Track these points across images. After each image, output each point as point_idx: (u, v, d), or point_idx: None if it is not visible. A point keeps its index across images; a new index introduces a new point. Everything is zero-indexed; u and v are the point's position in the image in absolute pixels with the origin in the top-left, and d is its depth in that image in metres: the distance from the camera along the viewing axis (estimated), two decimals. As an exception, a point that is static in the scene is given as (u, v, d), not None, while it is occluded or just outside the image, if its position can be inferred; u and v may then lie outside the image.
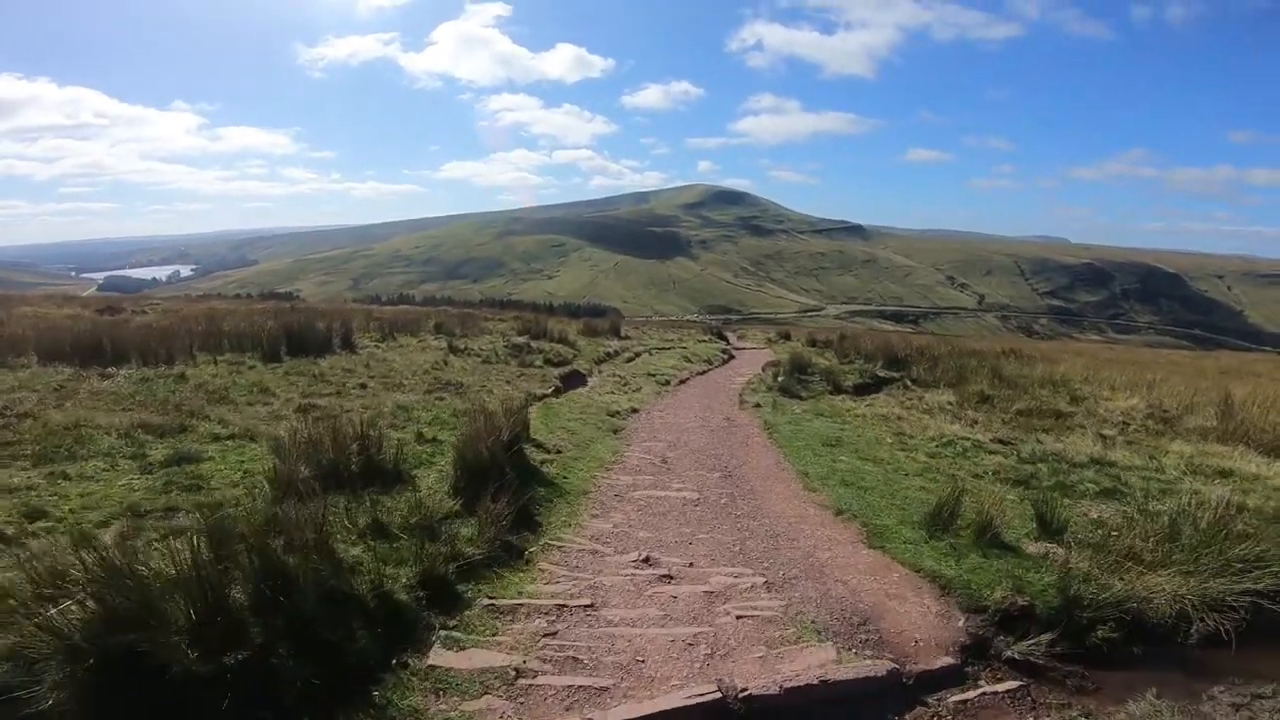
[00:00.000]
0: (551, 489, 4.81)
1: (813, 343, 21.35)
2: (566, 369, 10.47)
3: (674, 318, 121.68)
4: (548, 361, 11.13)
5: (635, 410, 8.18)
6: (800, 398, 10.04)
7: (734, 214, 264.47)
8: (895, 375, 11.86)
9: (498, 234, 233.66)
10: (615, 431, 6.85)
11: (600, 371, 11.24)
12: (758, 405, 9.20)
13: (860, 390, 10.94)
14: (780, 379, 11.35)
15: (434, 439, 5.39)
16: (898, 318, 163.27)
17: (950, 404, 8.85)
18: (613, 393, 9.25)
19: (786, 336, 25.44)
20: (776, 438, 6.86)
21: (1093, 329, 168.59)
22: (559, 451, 5.68)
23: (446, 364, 9.15)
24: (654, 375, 11.75)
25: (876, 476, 5.53)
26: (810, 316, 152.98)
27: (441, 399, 6.75)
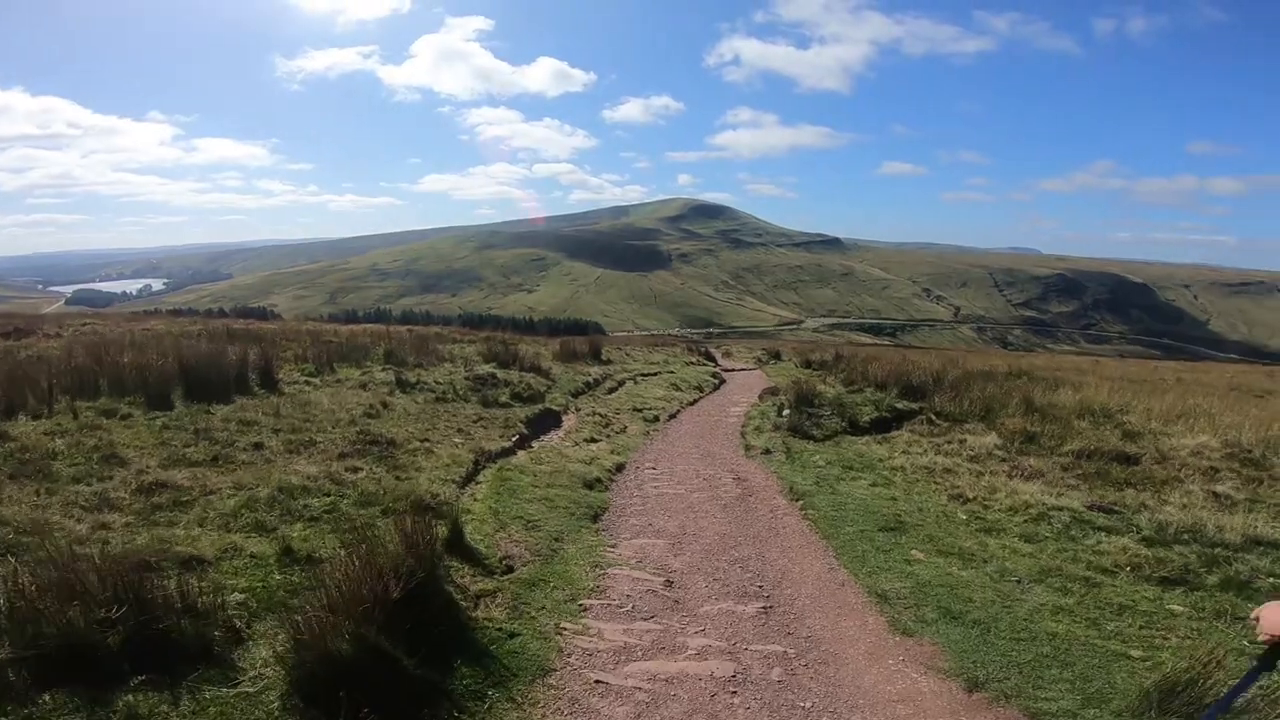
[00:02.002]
0: (486, 670, 2.86)
1: (808, 364, 19.89)
2: (537, 408, 8.78)
3: (656, 332, 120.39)
4: (515, 397, 9.43)
5: (621, 468, 6.51)
6: (813, 438, 8.48)
7: (714, 227, 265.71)
8: (914, 407, 10.37)
9: (477, 247, 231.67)
10: (594, 517, 5.04)
11: (578, 408, 9.57)
12: (768, 452, 7.61)
13: (879, 426, 9.42)
14: (786, 413, 9.78)
15: (308, 557, 3.50)
16: (876, 330, 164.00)
17: (998, 448, 7.35)
18: (592, 439, 7.59)
19: (777, 355, 24.01)
20: (813, 516, 5.23)
21: (1066, 340, 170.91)
22: (508, 569, 3.86)
23: (386, 406, 7.40)
24: (640, 410, 10.12)
25: (987, 594, 3.86)
26: (790, 330, 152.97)
27: (356, 469, 4.96)
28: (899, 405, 10.31)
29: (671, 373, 15.43)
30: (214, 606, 2.75)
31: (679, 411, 10.90)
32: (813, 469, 6.61)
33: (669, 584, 3.99)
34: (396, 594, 2.63)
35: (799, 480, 6.10)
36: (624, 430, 8.53)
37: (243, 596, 3.03)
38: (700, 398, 12.82)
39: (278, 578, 3.27)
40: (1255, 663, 1.49)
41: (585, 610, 3.59)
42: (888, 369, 13.10)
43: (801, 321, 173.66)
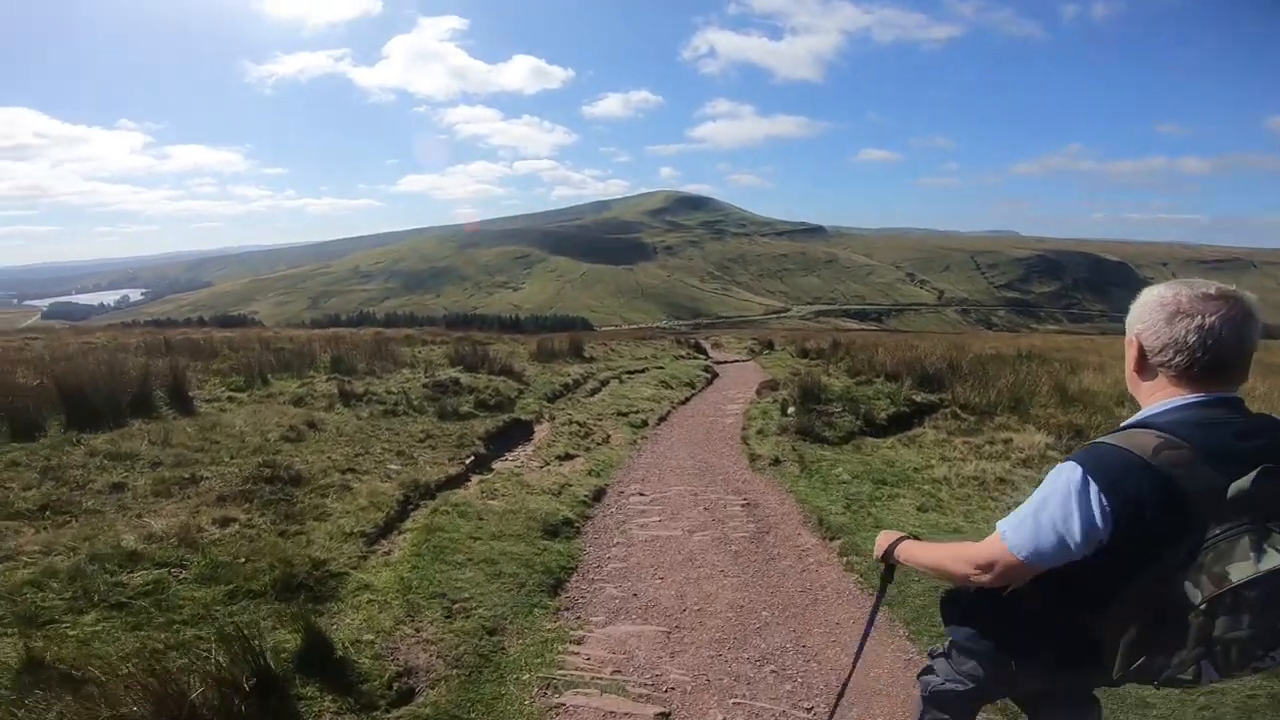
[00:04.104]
0: None
1: (804, 353, 18.71)
2: (503, 418, 7.48)
3: (644, 325, 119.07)
4: (480, 405, 8.15)
5: (599, 495, 5.19)
6: (827, 441, 7.28)
7: (698, 219, 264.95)
8: (934, 399, 9.21)
9: (459, 246, 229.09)
10: (555, 586, 3.59)
11: (553, 415, 8.29)
12: (777, 462, 6.39)
13: (898, 423, 8.24)
14: (792, 412, 8.58)
15: (67, 675, 2.20)
16: (861, 316, 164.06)
17: (1050, 448, 6.18)
18: (567, 455, 6.31)
19: (770, 345, 22.78)
20: (861, 566, 3.84)
21: (1049, 319, 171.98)
22: (403, 698, 2.46)
23: (313, 426, 6.08)
24: (626, 414, 8.86)
25: (1170, 703, 2.53)
26: (777, 318, 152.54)
27: (229, 521, 3.51)
28: (916, 398, 9.13)
29: (660, 368, 14.19)
30: None
31: (670, 413, 9.66)
32: (837, 485, 5.38)
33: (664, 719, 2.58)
34: None
35: (825, 504, 4.84)
36: (606, 440, 7.27)
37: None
38: (692, 395, 11.60)
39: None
40: (880, 580, 1.83)
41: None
42: (897, 357, 11.93)
43: (788, 309, 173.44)
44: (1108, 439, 1.30)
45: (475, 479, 5.25)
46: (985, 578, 1.39)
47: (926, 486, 5.30)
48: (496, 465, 5.86)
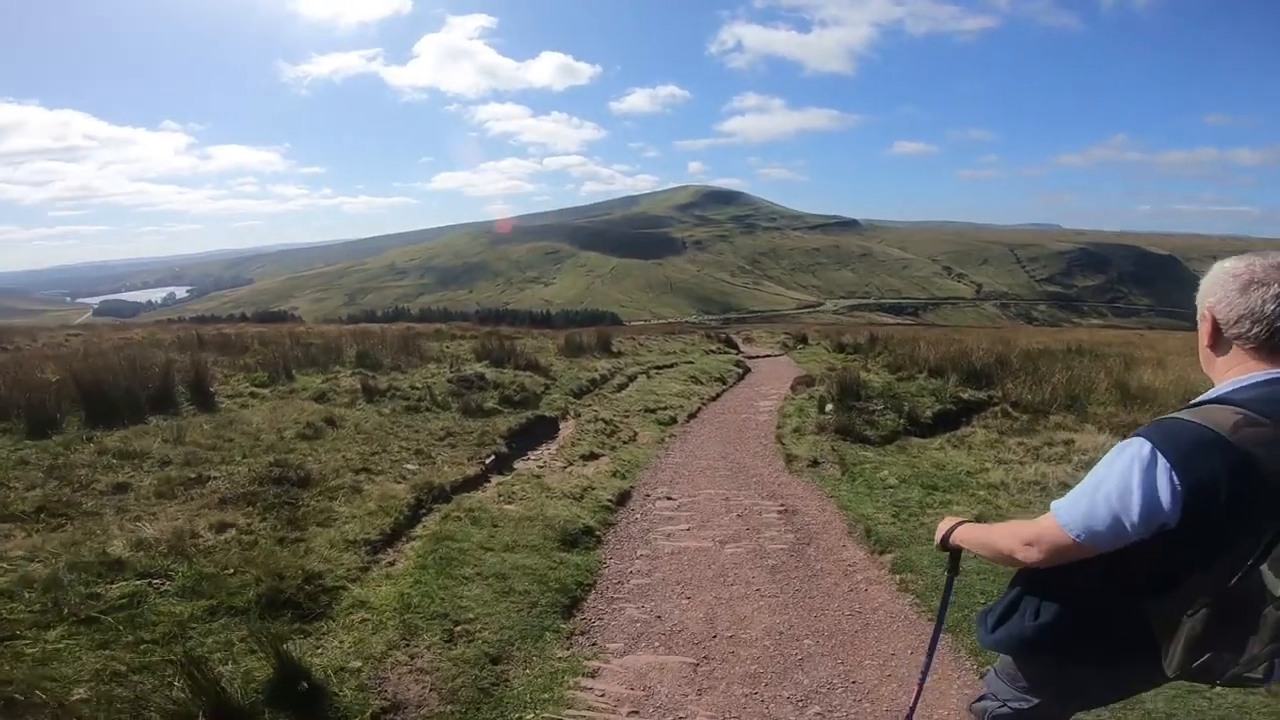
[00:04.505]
0: None
1: (840, 347, 18.10)
2: (527, 414, 7.22)
3: (673, 320, 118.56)
4: (505, 401, 7.90)
5: (624, 499, 4.87)
6: (869, 441, 6.84)
7: (728, 213, 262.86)
8: (982, 396, 8.65)
9: (491, 242, 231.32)
10: (570, 605, 3.24)
11: (579, 412, 8.00)
12: (815, 464, 5.98)
13: (945, 422, 7.74)
14: (830, 409, 8.15)
15: (7, 701, 1.90)
16: (897, 310, 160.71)
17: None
18: (592, 454, 5.99)
19: (803, 340, 22.15)
20: (916, 586, 3.40)
21: (1093, 313, 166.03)
22: None
23: (332, 423, 5.88)
24: (654, 411, 8.53)
25: None
26: (809, 312, 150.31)
27: (226, 526, 3.28)
28: (964, 395, 8.59)
29: (690, 363, 13.81)
30: None
31: (700, 409, 9.30)
32: (882, 491, 4.96)
33: None
34: None
35: (871, 512, 4.42)
36: (633, 439, 6.95)
37: None
38: (723, 390, 11.21)
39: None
40: (946, 573, 1.69)
41: None
42: (940, 352, 11.32)
43: (821, 304, 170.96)
44: (1181, 414, 1.19)
45: (495, 480, 4.98)
46: (1034, 555, 1.29)
47: (982, 492, 4.84)
48: (518, 465, 5.58)
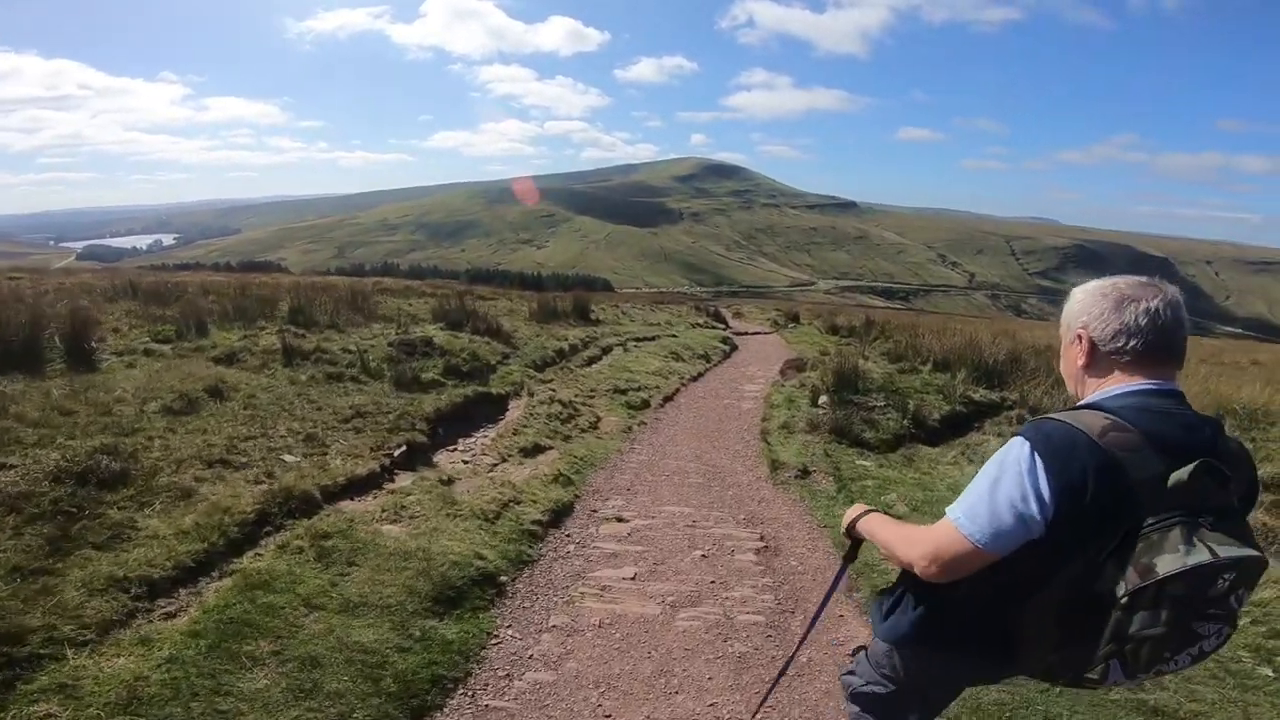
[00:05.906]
0: None
1: (833, 329, 17.09)
2: (470, 391, 6.10)
3: (665, 289, 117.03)
4: (451, 372, 6.79)
5: (558, 519, 3.75)
6: (869, 446, 5.83)
7: (727, 187, 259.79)
8: (995, 398, 7.67)
9: (487, 203, 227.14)
10: None
11: (535, 388, 6.91)
12: (805, 474, 4.96)
13: (954, 426, 6.76)
14: (824, 403, 7.14)
15: None
16: (888, 294, 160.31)
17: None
18: (534, 448, 4.91)
19: (795, 318, 21.10)
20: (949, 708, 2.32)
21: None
22: None
23: (216, 394, 4.73)
24: (624, 392, 7.46)
25: None
26: (801, 291, 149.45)
27: None
28: (975, 395, 7.59)
29: (674, 336, 12.73)
30: None
31: (677, 391, 8.26)
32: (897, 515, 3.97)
33: None
34: None
35: (878, 559, 3.41)
36: (594, 427, 5.89)
37: None
38: (706, 370, 10.17)
39: None
40: (842, 559, 1.66)
41: None
42: (946, 343, 10.29)
43: (814, 283, 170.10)
44: (1056, 415, 1.20)
45: (395, 483, 3.87)
46: (932, 569, 1.23)
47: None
48: (439, 458, 4.48)
